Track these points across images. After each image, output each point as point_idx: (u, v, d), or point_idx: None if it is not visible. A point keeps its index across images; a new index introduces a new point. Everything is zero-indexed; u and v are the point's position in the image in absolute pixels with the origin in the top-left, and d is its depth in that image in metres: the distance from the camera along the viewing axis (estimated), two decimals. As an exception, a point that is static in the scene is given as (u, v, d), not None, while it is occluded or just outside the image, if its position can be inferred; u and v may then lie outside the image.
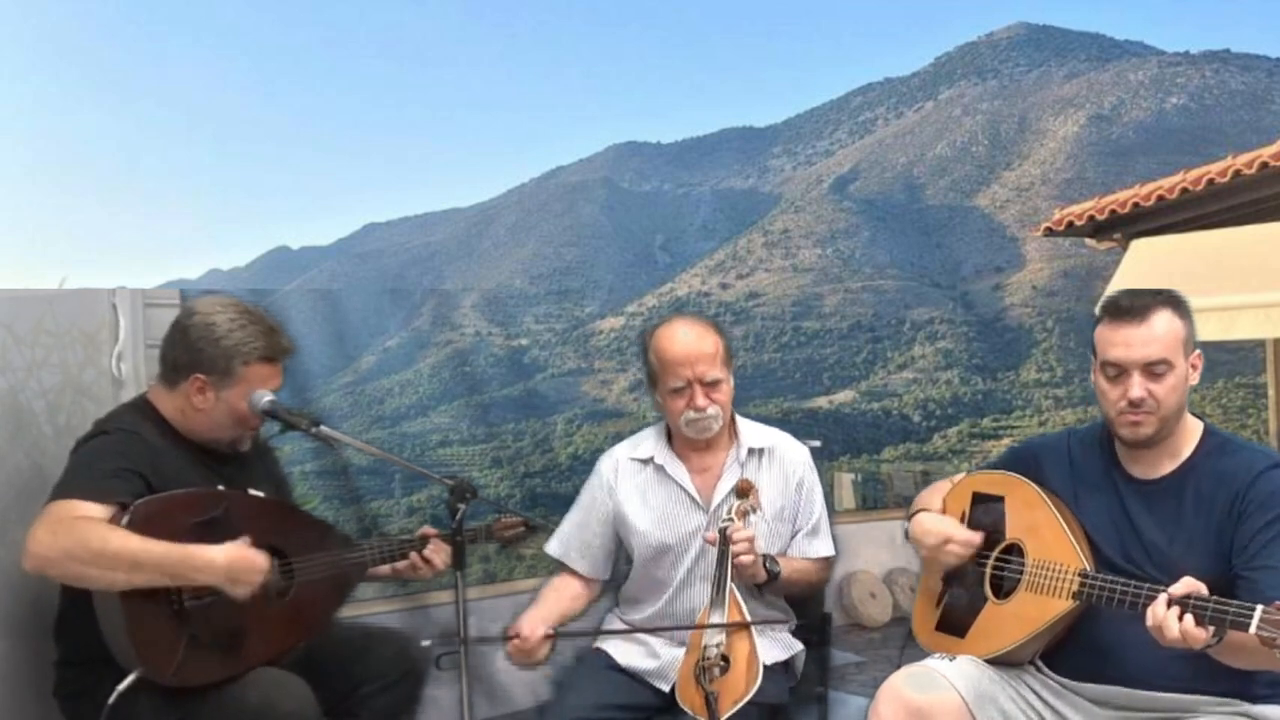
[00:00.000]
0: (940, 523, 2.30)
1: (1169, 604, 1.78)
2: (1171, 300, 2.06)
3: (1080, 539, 2.08)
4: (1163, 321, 2.03)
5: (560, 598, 2.56)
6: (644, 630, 2.48)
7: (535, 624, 2.41)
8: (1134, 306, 2.04)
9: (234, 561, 2.09)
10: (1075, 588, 2.02)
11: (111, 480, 2.13)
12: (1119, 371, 2.03)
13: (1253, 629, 1.69)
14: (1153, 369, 2.01)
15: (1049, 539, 2.11)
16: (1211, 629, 1.75)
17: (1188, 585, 1.79)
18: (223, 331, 2.29)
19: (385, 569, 2.52)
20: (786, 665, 2.49)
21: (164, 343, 2.37)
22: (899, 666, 2.11)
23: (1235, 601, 1.74)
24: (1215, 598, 1.76)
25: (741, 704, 2.16)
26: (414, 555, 2.49)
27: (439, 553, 2.48)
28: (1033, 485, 2.19)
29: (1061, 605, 2.04)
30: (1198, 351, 2.07)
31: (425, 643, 2.36)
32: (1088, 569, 2.02)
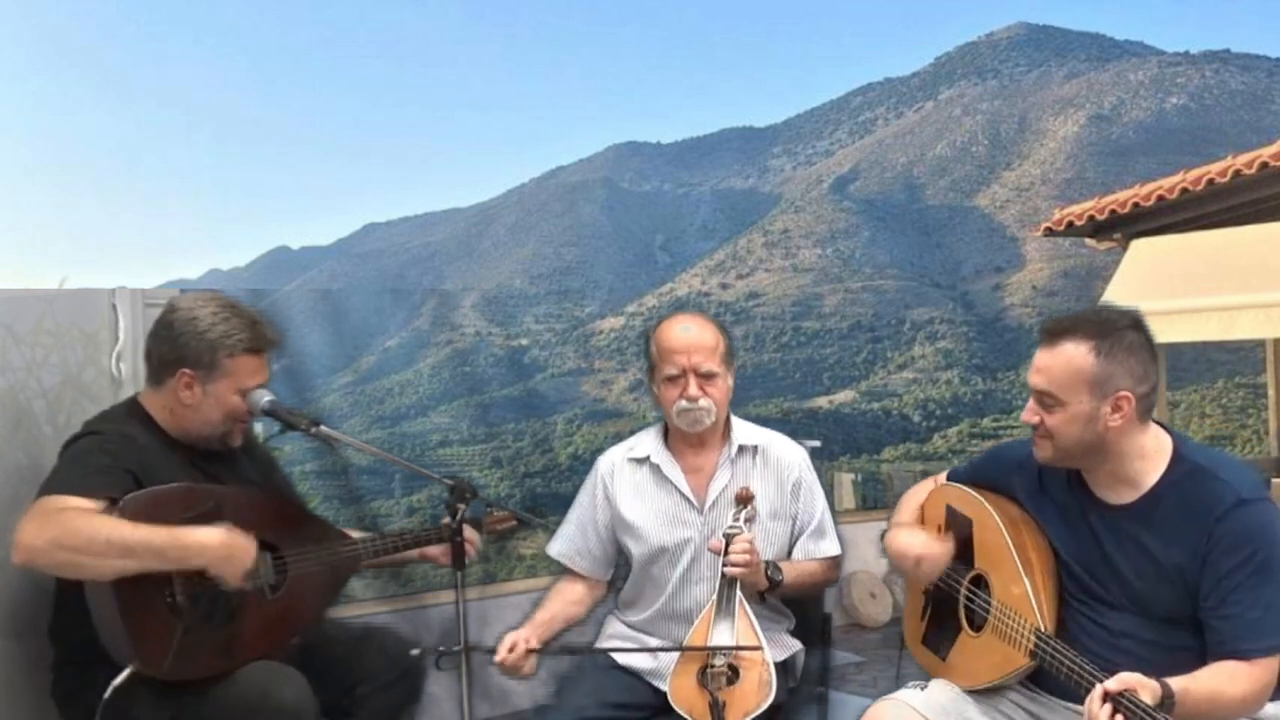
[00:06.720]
0: (910, 542, 2.23)
1: (1104, 699, 1.71)
2: (1100, 331, 1.90)
3: (1039, 588, 2.01)
4: (1064, 355, 1.91)
5: (564, 602, 2.56)
6: (661, 649, 2.43)
7: (522, 638, 2.38)
8: (1049, 331, 1.95)
9: (225, 541, 2.09)
10: (1030, 646, 1.98)
11: (100, 476, 2.13)
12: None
13: None
14: (1042, 399, 1.95)
15: (1009, 584, 2.06)
16: None
17: (1122, 682, 1.72)
18: (205, 325, 2.29)
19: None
20: (785, 665, 2.49)
21: (149, 341, 2.37)
22: (899, 667, 2.10)
23: (1163, 714, 1.68)
24: (1145, 705, 1.68)
25: (752, 717, 2.16)
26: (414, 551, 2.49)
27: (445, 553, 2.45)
28: (997, 518, 2.12)
29: (1020, 660, 2.01)
30: (1123, 392, 1.89)
31: (414, 651, 2.39)
32: (1041, 629, 1.97)
